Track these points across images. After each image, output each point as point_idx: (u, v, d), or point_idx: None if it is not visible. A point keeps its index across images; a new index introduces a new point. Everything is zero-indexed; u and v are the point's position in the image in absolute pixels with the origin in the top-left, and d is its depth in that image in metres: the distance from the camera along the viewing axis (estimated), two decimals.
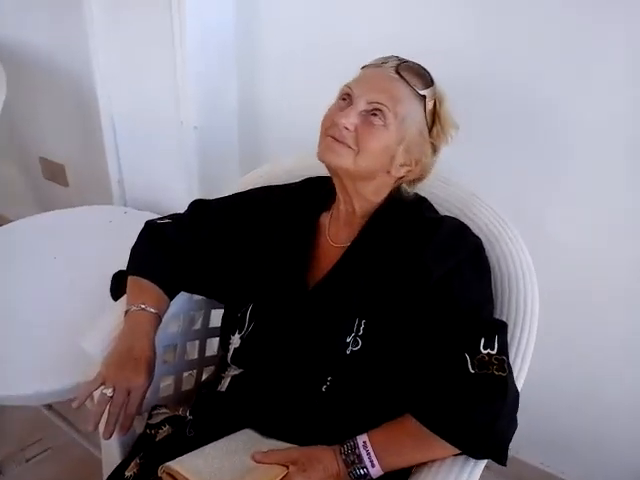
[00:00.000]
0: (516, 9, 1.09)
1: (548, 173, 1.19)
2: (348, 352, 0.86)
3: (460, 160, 1.00)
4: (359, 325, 0.87)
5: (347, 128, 0.85)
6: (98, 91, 1.59)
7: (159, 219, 1.08)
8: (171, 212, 1.11)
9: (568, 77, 1.10)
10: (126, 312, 0.97)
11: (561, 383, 1.33)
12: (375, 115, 0.86)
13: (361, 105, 0.86)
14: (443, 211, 1.00)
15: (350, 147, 0.86)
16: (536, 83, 1.13)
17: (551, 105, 1.13)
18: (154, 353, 0.95)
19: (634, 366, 1.27)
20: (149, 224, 1.07)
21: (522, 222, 1.02)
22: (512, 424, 0.81)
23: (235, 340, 0.96)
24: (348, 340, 0.87)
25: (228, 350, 0.98)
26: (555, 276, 1.14)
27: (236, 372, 0.98)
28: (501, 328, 0.85)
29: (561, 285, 1.21)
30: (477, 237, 0.93)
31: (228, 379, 0.98)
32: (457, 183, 1.06)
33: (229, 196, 1.09)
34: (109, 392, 0.86)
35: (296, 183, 1.08)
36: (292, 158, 1.21)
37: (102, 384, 0.88)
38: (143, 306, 0.96)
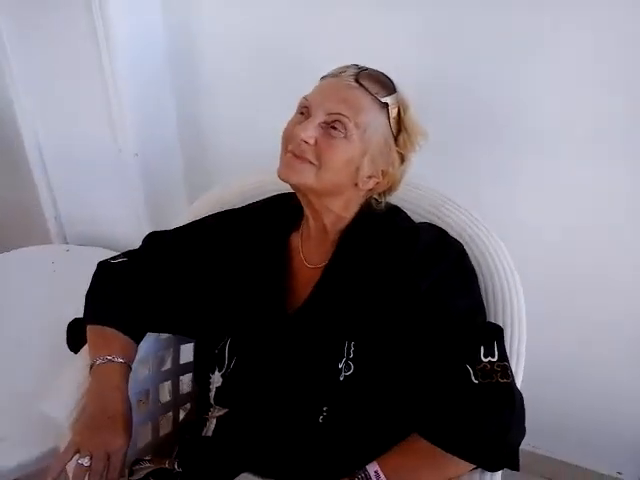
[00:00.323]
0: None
1: (510, 170, 1.20)
2: (341, 378, 0.82)
3: (423, 165, 0.97)
4: (349, 348, 0.83)
5: (306, 142, 0.80)
6: (20, 124, 1.47)
7: (112, 258, 0.99)
8: (118, 245, 1.04)
9: (515, 68, 1.10)
10: (91, 367, 0.88)
11: (547, 370, 1.34)
12: (335, 127, 0.81)
13: (320, 117, 0.81)
14: (416, 217, 0.96)
15: (311, 162, 0.81)
16: (484, 79, 1.13)
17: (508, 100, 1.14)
18: (129, 407, 0.87)
19: (618, 351, 1.31)
20: (102, 265, 0.98)
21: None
22: (522, 429, 0.79)
23: (216, 379, 0.90)
24: (340, 366, 0.82)
25: (209, 390, 0.91)
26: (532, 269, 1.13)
27: (221, 412, 0.91)
28: (498, 333, 0.83)
29: (539, 277, 1.21)
30: (458, 242, 0.91)
31: (213, 421, 0.91)
32: (426, 187, 1.04)
33: (188, 224, 1.02)
34: (86, 461, 0.77)
35: (259, 203, 1.02)
36: (245, 177, 1.15)
37: (76, 453, 0.79)
38: (110, 357, 0.87)
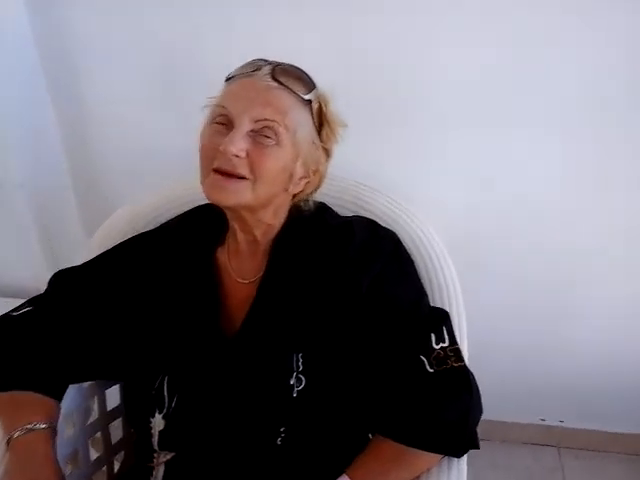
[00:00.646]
0: None
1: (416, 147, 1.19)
2: (295, 394, 0.77)
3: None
4: (297, 361, 0.79)
5: (238, 156, 0.73)
6: None
7: (14, 310, 0.87)
8: (11, 290, 0.90)
9: (416, 47, 1.09)
10: (7, 441, 0.76)
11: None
12: (266, 135, 0.74)
13: (246, 125, 0.74)
14: (341, 210, 0.94)
15: (245, 178, 0.74)
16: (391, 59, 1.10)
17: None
18: (63, 478, 0.76)
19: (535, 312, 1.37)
20: (4, 319, 0.85)
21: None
22: (480, 409, 0.80)
23: (157, 422, 0.81)
24: (291, 381, 0.78)
25: (150, 435, 0.82)
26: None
27: (168, 457, 0.83)
28: (445, 317, 0.83)
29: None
30: (390, 231, 0.89)
31: (161, 468, 0.83)
32: (341, 177, 1.01)
33: (99, 256, 0.90)
34: None
35: (174, 221, 0.93)
36: (152, 195, 1.04)
37: None
38: (29, 425, 0.76)
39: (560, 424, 1.59)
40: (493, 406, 1.46)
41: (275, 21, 1.08)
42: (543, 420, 1.60)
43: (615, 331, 1.38)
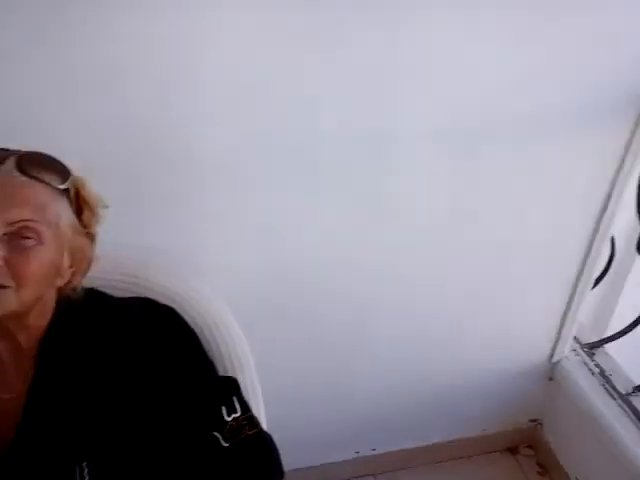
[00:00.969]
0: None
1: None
2: None
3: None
4: (81, 472, 0.72)
5: None
6: None
7: None
8: None
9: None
10: None
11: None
12: (26, 236, 0.67)
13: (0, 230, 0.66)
14: (117, 292, 0.88)
15: (5, 286, 0.66)
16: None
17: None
18: None
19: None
20: None
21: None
22: (281, 470, 0.81)
23: None
24: None
25: None
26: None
27: None
28: (234, 386, 0.83)
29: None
30: (168, 307, 0.87)
31: None
32: (113, 256, 0.95)
33: None
34: None
35: None
36: None
37: None
38: None
39: (373, 452, 1.68)
40: (309, 452, 1.52)
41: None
42: (358, 452, 1.67)
43: (402, 355, 1.51)
